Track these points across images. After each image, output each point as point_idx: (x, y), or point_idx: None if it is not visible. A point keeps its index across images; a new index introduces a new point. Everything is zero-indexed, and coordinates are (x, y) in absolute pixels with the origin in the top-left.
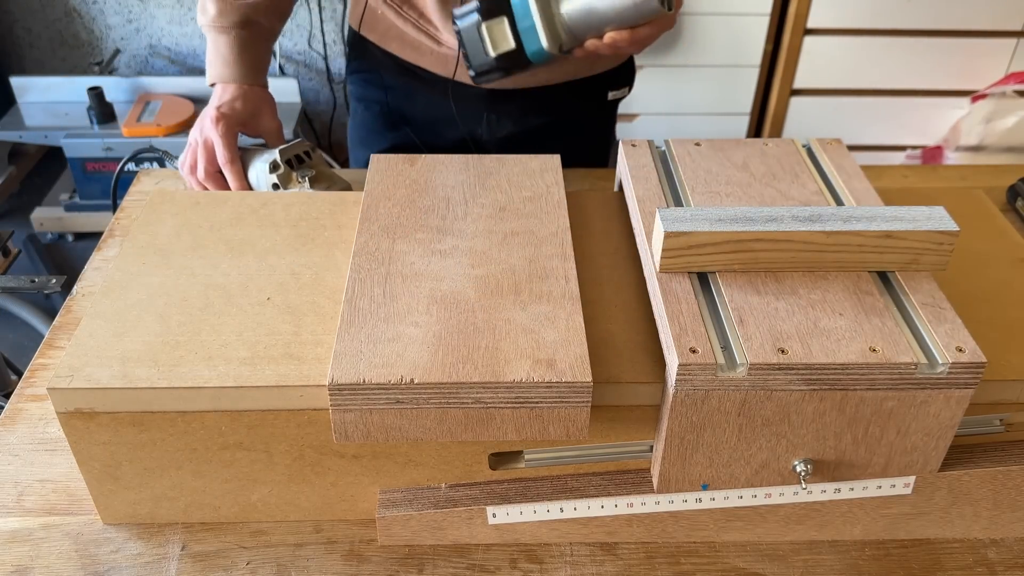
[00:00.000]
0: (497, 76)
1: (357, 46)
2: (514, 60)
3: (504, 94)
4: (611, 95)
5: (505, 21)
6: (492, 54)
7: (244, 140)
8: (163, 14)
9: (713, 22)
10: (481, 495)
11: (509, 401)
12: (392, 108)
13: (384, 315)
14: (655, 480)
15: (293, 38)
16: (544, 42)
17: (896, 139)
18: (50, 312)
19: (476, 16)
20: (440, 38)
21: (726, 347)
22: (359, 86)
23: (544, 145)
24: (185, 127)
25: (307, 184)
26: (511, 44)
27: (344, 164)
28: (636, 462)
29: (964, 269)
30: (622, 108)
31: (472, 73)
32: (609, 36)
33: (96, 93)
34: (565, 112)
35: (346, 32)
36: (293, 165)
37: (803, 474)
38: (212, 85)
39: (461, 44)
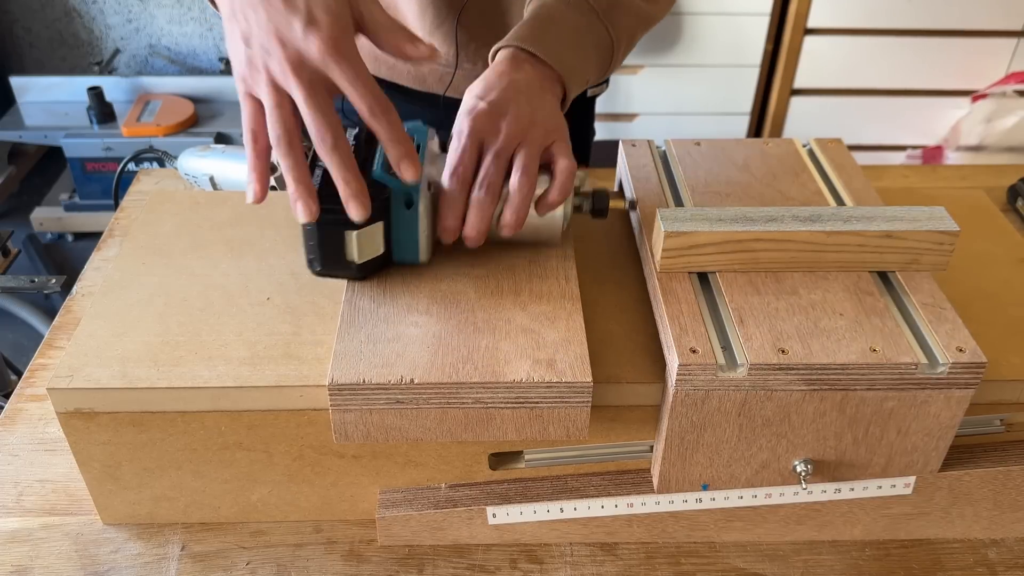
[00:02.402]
0: (341, 276)
1: None
2: (374, 264)
3: None
4: (590, 92)
5: (381, 228)
6: (356, 261)
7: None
8: (163, 14)
9: (713, 22)
10: (481, 495)
11: (509, 401)
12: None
13: (384, 315)
14: (655, 480)
15: None
16: (422, 256)
17: (896, 139)
18: (50, 312)
19: (345, 220)
20: None
21: (726, 347)
22: (335, 99)
23: None
24: (185, 127)
25: None
26: (380, 250)
27: None
28: (636, 462)
29: (964, 269)
30: (622, 108)
31: (313, 270)
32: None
33: (96, 93)
34: None
35: None
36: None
37: (803, 474)
38: None
39: (309, 240)
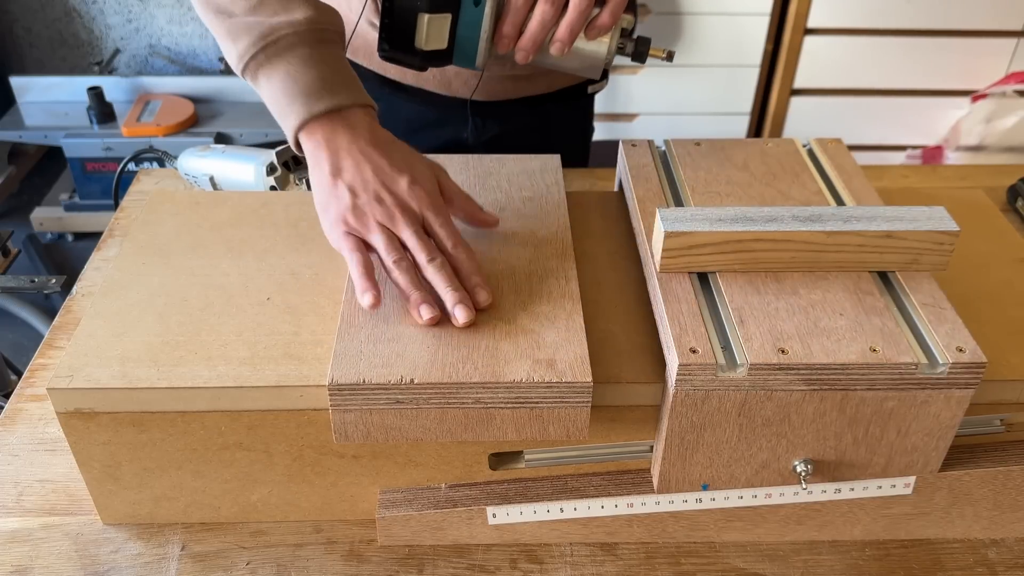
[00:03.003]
0: (406, 64)
1: None
2: (435, 59)
3: (492, 103)
4: (590, 89)
5: (449, 20)
6: (423, 47)
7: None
8: (163, 14)
9: (713, 22)
10: (481, 495)
11: (509, 401)
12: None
13: (384, 315)
14: (655, 480)
15: None
16: (479, 59)
17: (896, 139)
18: (50, 312)
19: (421, 2)
20: None
21: (726, 347)
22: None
23: (527, 143)
24: (185, 127)
25: (304, 185)
26: (443, 45)
27: None
28: (636, 462)
29: (964, 269)
30: (622, 108)
31: (382, 51)
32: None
33: (96, 93)
34: (548, 112)
35: None
36: (290, 167)
37: (803, 474)
38: (302, 126)
39: (387, 15)
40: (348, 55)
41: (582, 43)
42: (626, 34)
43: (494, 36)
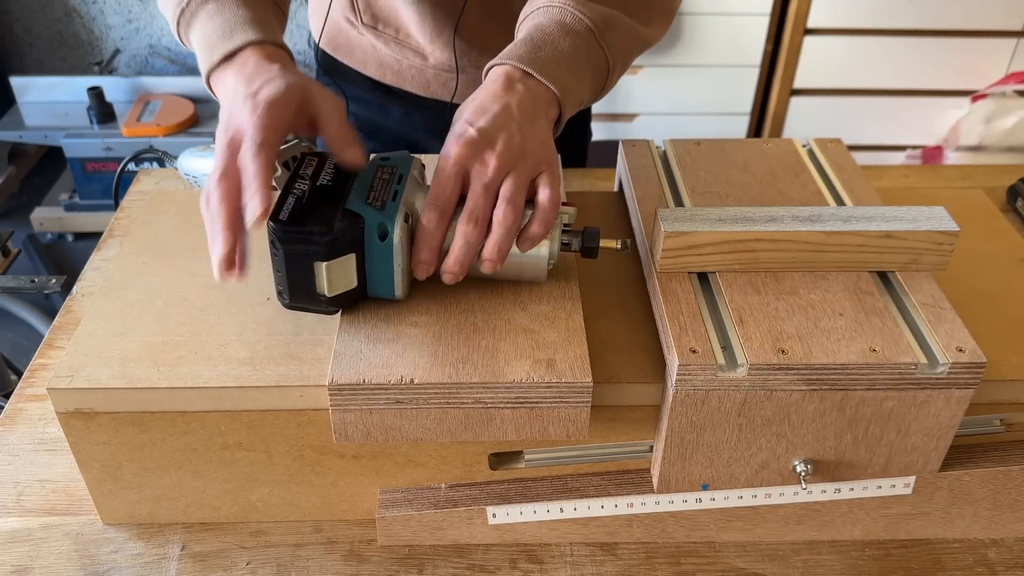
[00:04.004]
0: (313, 310)
1: (327, 64)
2: (345, 299)
3: None
4: None
5: (353, 260)
6: (326, 294)
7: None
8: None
9: (713, 22)
10: (481, 495)
11: (509, 401)
12: (365, 121)
13: (384, 315)
14: (655, 480)
15: (293, 38)
16: (398, 291)
17: (896, 139)
18: (50, 312)
19: (313, 249)
20: (424, 52)
21: (726, 347)
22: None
23: None
24: (185, 127)
25: None
26: (352, 284)
27: None
28: (636, 462)
29: (964, 269)
30: (622, 108)
31: (282, 301)
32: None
33: (96, 93)
34: None
35: (313, 48)
36: (290, 167)
37: (803, 474)
38: (210, 73)
39: (279, 267)
40: (331, 53)
41: (517, 255)
42: (569, 228)
43: (412, 263)
